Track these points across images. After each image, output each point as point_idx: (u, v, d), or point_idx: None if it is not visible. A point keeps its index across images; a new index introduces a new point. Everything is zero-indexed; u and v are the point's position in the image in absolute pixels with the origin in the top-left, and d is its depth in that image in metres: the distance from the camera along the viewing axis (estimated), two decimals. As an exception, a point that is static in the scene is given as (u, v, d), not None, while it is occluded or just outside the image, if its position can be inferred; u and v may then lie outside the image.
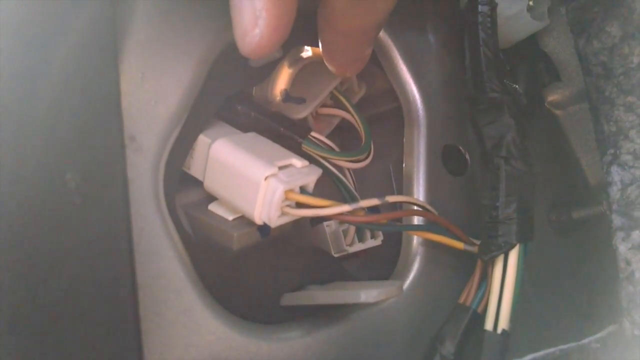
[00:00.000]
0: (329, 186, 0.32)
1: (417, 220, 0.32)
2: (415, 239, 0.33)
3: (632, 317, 0.31)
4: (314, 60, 0.32)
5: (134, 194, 0.25)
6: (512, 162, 0.30)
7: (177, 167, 0.28)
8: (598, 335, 0.34)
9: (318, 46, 0.31)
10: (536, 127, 0.36)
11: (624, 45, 0.32)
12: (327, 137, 0.32)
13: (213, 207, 0.30)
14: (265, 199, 0.27)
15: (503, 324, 0.29)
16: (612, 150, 0.32)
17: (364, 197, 0.29)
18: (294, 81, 0.32)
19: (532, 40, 0.36)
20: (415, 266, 0.32)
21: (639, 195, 0.31)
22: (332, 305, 0.29)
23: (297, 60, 0.31)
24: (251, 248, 0.30)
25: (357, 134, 0.33)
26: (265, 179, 0.27)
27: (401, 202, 0.32)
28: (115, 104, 0.24)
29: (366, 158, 0.32)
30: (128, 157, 0.25)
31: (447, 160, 0.34)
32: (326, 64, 0.27)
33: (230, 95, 0.31)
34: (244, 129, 0.31)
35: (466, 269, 0.32)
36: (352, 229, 0.33)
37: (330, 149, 0.31)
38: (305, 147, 0.31)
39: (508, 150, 0.30)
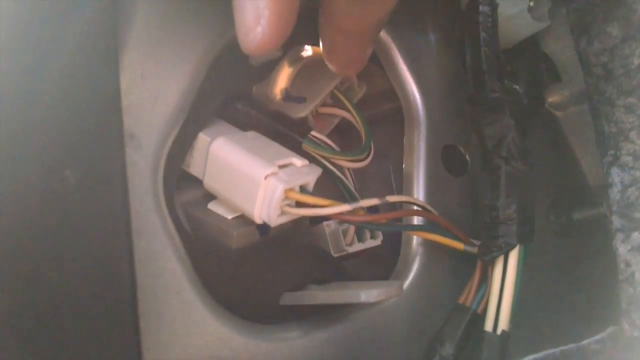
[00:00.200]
0: (329, 186, 0.32)
1: (417, 220, 0.32)
2: (415, 239, 0.32)
3: (632, 318, 0.31)
4: (314, 59, 0.32)
5: (133, 192, 0.25)
6: (512, 162, 0.30)
7: (176, 165, 0.28)
8: (598, 336, 0.34)
9: (318, 45, 0.31)
10: (536, 128, 0.36)
11: (624, 46, 0.32)
12: (327, 136, 0.32)
13: (212, 205, 0.30)
14: (265, 198, 0.27)
15: (503, 324, 0.29)
16: (612, 152, 0.32)
17: (363, 196, 0.29)
18: (294, 80, 0.32)
19: (533, 41, 0.36)
20: (415, 266, 0.32)
21: (639, 196, 0.31)
22: (331, 305, 0.29)
23: (297, 59, 0.31)
24: (250, 247, 0.30)
25: (357, 133, 0.33)
26: (265, 177, 0.27)
27: (401, 202, 0.32)
28: (115, 101, 0.24)
29: (366, 158, 0.32)
30: (127, 155, 0.25)
31: (447, 160, 0.34)
32: (327, 63, 0.27)
33: (231, 94, 0.31)
34: (244, 127, 0.31)
35: (466, 269, 0.31)
36: (352, 228, 0.33)
37: (331, 149, 0.31)
38: (306, 147, 0.30)
39: (508, 151, 0.30)
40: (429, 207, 0.31)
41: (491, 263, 0.30)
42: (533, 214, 0.30)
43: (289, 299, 0.29)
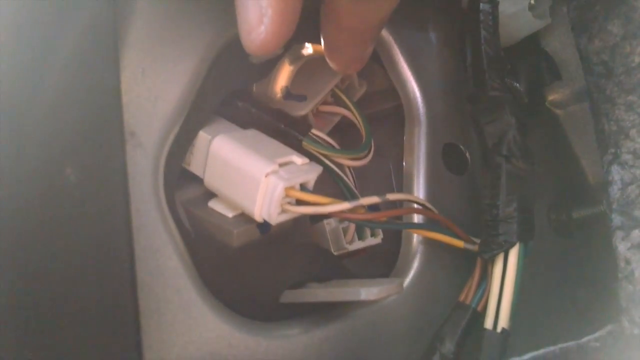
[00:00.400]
0: (329, 184, 0.32)
1: (417, 218, 0.32)
2: (415, 237, 0.32)
3: (632, 316, 0.31)
4: (315, 58, 0.32)
5: (133, 190, 0.25)
6: (513, 160, 0.30)
7: (177, 163, 0.28)
8: (597, 334, 0.34)
9: (319, 43, 0.31)
10: (537, 126, 0.36)
11: (625, 44, 0.32)
12: (328, 134, 0.32)
13: (213, 203, 0.30)
14: (266, 196, 0.27)
15: (503, 322, 0.29)
16: (612, 150, 0.32)
17: (364, 195, 0.29)
18: (295, 78, 0.32)
19: (534, 39, 0.36)
20: (415, 264, 0.32)
21: (639, 194, 0.31)
22: (332, 302, 0.29)
23: (298, 57, 0.31)
24: (251, 245, 0.30)
25: (357, 131, 0.33)
26: (266, 175, 0.27)
27: (401, 200, 0.32)
28: (116, 99, 0.24)
29: (366, 156, 0.32)
30: (128, 153, 0.25)
31: (447, 158, 0.34)
32: (327, 61, 0.27)
33: (231, 92, 0.31)
34: (245, 125, 0.31)
35: (466, 267, 0.32)
36: (352, 226, 0.33)
37: (331, 147, 0.31)
38: (306, 145, 0.30)
39: (509, 149, 0.30)
40: (429, 205, 0.31)
41: (491, 261, 0.30)
42: (533, 212, 0.30)
43: (290, 296, 0.29)
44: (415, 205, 0.31)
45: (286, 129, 0.31)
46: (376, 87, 0.36)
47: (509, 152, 0.30)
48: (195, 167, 0.30)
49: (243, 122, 0.31)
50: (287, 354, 0.28)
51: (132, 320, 0.24)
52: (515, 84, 0.33)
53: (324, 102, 0.34)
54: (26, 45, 0.22)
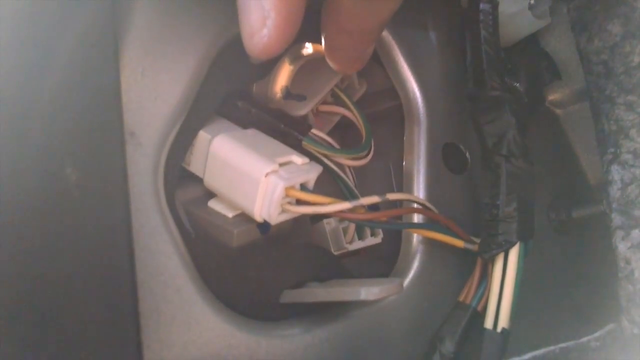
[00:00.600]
0: (329, 183, 0.32)
1: (417, 218, 0.32)
2: (415, 237, 0.32)
3: (631, 315, 0.31)
4: (315, 57, 0.32)
5: (133, 189, 0.25)
6: (512, 160, 0.30)
7: (177, 163, 0.28)
8: (597, 334, 0.34)
9: (319, 43, 0.31)
10: (536, 126, 0.36)
11: (625, 44, 0.32)
12: (328, 134, 0.32)
13: (213, 203, 0.30)
14: (266, 196, 0.27)
15: (503, 322, 0.29)
16: (612, 149, 0.32)
17: (364, 194, 0.29)
18: (295, 78, 0.32)
19: (533, 39, 0.36)
20: (415, 264, 0.32)
21: (639, 194, 0.31)
22: (332, 302, 0.29)
23: (297, 57, 0.31)
24: (251, 245, 0.30)
25: (357, 131, 0.33)
26: (266, 175, 0.27)
27: (401, 200, 0.32)
28: (116, 99, 0.24)
29: (366, 155, 0.32)
30: (128, 152, 0.25)
31: (447, 158, 0.34)
32: (328, 61, 0.27)
33: (231, 92, 0.31)
34: (244, 125, 0.31)
35: (466, 267, 0.32)
36: (352, 226, 0.33)
37: (331, 146, 0.31)
38: (306, 144, 0.30)
39: (509, 149, 0.30)
40: (429, 205, 0.31)
41: (491, 261, 0.30)
42: (533, 211, 0.30)
43: (290, 296, 0.29)
44: (415, 205, 0.31)
45: (286, 129, 0.30)
46: (376, 87, 0.36)
47: (508, 152, 0.30)
48: (195, 167, 0.30)
49: (243, 121, 0.31)
50: (287, 354, 0.28)
51: (132, 320, 0.24)
52: (515, 83, 0.33)
53: (324, 102, 0.34)
54: (26, 45, 0.22)
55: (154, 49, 0.26)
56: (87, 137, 0.23)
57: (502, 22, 0.32)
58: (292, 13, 0.21)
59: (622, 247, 0.31)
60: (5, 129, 0.21)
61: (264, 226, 0.30)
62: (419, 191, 0.33)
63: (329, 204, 0.27)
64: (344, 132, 0.35)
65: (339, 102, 0.34)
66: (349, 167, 0.33)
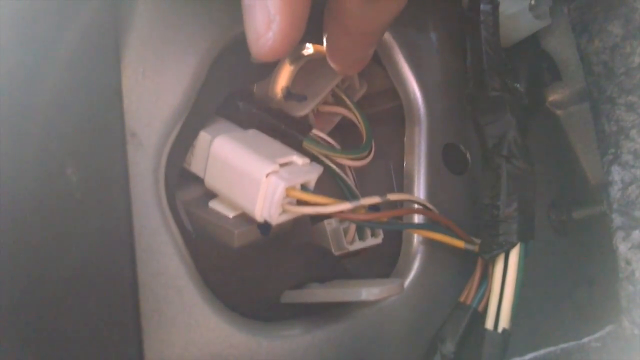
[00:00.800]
0: (330, 184, 0.32)
1: (417, 218, 0.32)
2: (416, 238, 0.32)
3: (632, 316, 0.31)
4: (316, 58, 0.32)
5: (135, 190, 0.25)
6: (513, 161, 0.30)
7: (178, 163, 0.28)
8: (598, 334, 0.34)
9: (319, 43, 0.31)
10: (537, 127, 0.36)
11: (625, 44, 0.32)
12: (328, 134, 0.32)
13: (214, 204, 0.30)
14: (267, 196, 0.27)
15: (504, 323, 0.29)
16: (612, 150, 0.33)
17: (364, 195, 0.29)
18: (295, 78, 0.32)
19: (534, 40, 0.36)
20: (416, 265, 0.32)
21: (639, 194, 0.31)
22: (332, 303, 0.29)
23: (298, 57, 0.31)
24: (252, 245, 0.30)
25: (358, 131, 0.33)
26: (267, 176, 0.27)
27: (402, 200, 0.32)
28: (117, 99, 0.24)
29: (367, 156, 0.32)
30: (129, 153, 0.25)
31: (447, 158, 0.34)
32: (329, 62, 0.27)
33: (232, 92, 0.31)
34: (245, 126, 0.31)
35: (467, 267, 0.32)
36: (353, 227, 0.33)
37: (332, 147, 0.31)
38: (307, 145, 0.30)
39: (509, 149, 0.30)
40: (429, 206, 0.31)
41: (492, 261, 0.30)
42: (534, 212, 0.30)
43: (290, 296, 0.29)
44: (416, 206, 0.31)
45: (287, 129, 0.31)
46: (376, 87, 0.36)
47: (509, 153, 0.30)
48: (196, 168, 0.30)
49: (244, 122, 0.31)
50: (288, 354, 0.28)
51: (133, 320, 0.24)
52: (515, 84, 0.33)
53: (325, 102, 0.34)
54: (27, 46, 0.22)
55: (155, 49, 0.26)
56: (88, 138, 0.23)
57: (503, 22, 0.32)
58: (297, 16, 0.21)
59: (622, 248, 0.32)
60: (6, 130, 0.21)
61: (265, 226, 0.30)
62: (420, 192, 0.33)
63: (329, 204, 0.27)
64: (344, 133, 0.35)
65: (339, 102, 0.34)
66: (349, 167, 0.33)
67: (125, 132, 0.25)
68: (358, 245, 0.33)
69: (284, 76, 0.31)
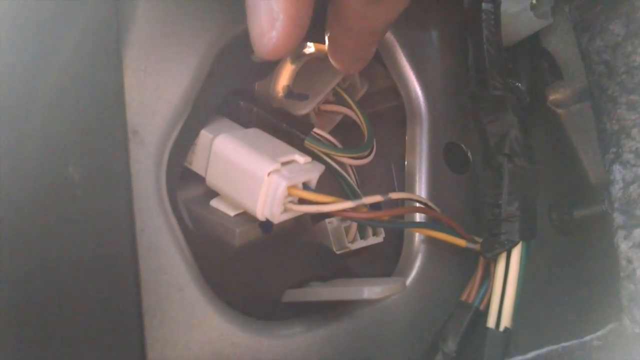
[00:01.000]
0: (331, 183, 0.32)
1: (419, 217, 0.32)
2: (417, 236, 0.32)
3: (633, 315, 0.31)
4: (317, 57, 0.32)
5: (136, 188, 0.25)
6: (515, 159, 0.30)
7: (179, 162, 0.28)
8: (599, 332, 0.34)
9: (320, 42, 0.31)
10: (538, 126, 0.36)
11: (627, 43, 0.32)
12: (330, 133, 0.32)
13: (215, 202, 0.30)
14: (268, 195, 0.27)
15: (505, 321, 0.29)
16: (614, 149, 0.33)
17: (366, 194, 0.29)
18: (297, 77, 0.32)
19: (535, 39, 0.36)
20: (417, 263, 0.32)
21: (640, 193, 0.31)
22: (334, 301, 0.29)
23: (300, 56, 0.31)
24: (253, 244, 0.30)
25: (359, 130, 0.33)
26: (268, 174, 0.27)
27: (403, 199, 0.32)
28: (118, 98, 0.24)
29: (368, 155, 0.32)
30: (131, 151, 0.25)
31: (449, 157, 0.34)
32: (331, 60, 0.27)
33: (233, 91, 0.31)
34: (246, 124, 0.31)
35: (468, 266, 0.32)
36: (354, 225, 0.33)
37: (333, 146, 0.31)
38: (308, 144, 0.30)
39: (511, 148, 0.30)
40: (431, 204, 0.31)
41: (493, 260, 0.30)
42: (535, 211, 0.30)
43: (292, 295, 0.29)
44: (417, 204, 0.31)
45: (288, 128, 0.30)
46: (378, 86, 0.36)
47: (510, 151, 0.30)
48: (197, 166, 0.30)
49: (245, 121, 0.31)
50: (290, 353, 0.28)
51: (135, 318, 0.24)
52: (516, 83, 0.33)
53: (326, 101, 0.34)
54: (29, 44, 0.22)
55: (157, 48, 0.26)
56: (90, 136, 0.23)
57: (504, 21, 0.32)
58: (300, 15, 0.21)
59: (623, 247, 0.32)
60: (8, 128, 0.21)
61: (266, 225, 0.30)
62: (421, 190, 0.33)
63: (331, 203, 0.27)
64: (345, 132, 0.35)
65: (340, 101, 0.34)
66: (351, 166, 0.33)
67: (127, 130, 0.25)
68: (359, 244, 0.33)
69: (285, 75, 0.31)
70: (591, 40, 0.33)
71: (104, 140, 0.23)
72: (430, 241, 0.32)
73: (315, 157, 0.30)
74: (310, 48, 0.32)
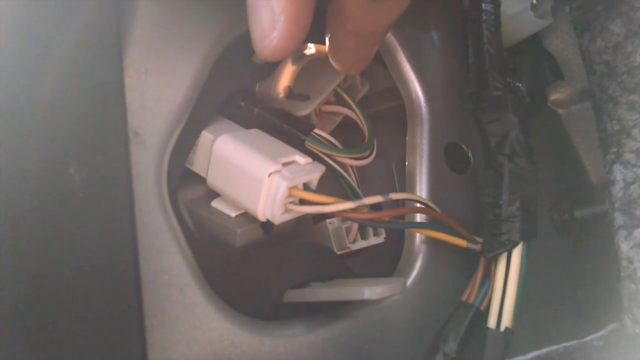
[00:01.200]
0: (332, 183, 0.32)
1: (419, 217, 0.32)
2: (418, 237, 0.33)
3: (634, 315, 0.31)
4: (317, 58, 0.32)
5: (137, 189, 0.25)
6: (515, 160, 0.30)
7: (180, 163, 0.28)
8: (600, 333, 0.34)
9: (321, 43, 0.31)
10: (539, 126, 0.36)
11: (627, 43, 0.32)
12: (330, 134, 0.32)
13: (216, 203, 0.30)
14: (269, 196, 0.27)
15: (506, 321, 0.29)
16: (614, 149, 0.32)
17: (366, 194, 0.29)
18: (298, 78, 0.32)
19: (536, 39, 0.36)
20: (418, 264, 0.32)
21: (641, 193, 0.31)
22: (335, 302, 0.29)
23: (300, 57, 0.31)
24: (254, 245, 0.30)
25: (360, 131, 0.33)
26: (269, 175, 0.27)
27: (404, 200, 0.32)
28: (119, 98, 0.24)
29: (369, 155, 0.32)
30: (132, 152, 0.25)
31: (450, 158, 0.34)
32: (331, 61, 0.27)
33: (234, 92, 0.31)
34: (247, 125, 0.31)
35: (469, 266, 0.32)
36: (355, 226, 0.33)
37: (334, 146, 0.31)
38: (309, 144, 0.30)
39: (512, 148, 0.30)
40: (431, 205, 0.31)
41: (494, 260, 0.30)
42: (536, 211, 0.30)
43: (293, 296, 0.29)
44: (418, 205, 0.31)
45: (289, 129, 0.31)
46: (378, 87, 0.36)
47: (511, 152, 0.30)
48: (198, 167, 0.30)
49: (246, 121, 0.31)
50: (291, 353, 0.28)
51: (136, 319, 0.24)
52: (517, 83, 0.33)
53: (327, 102, 0.34)
54: (29, 44, 0.22)
55: (158, 48, 0.26)
56: (90, 137, 0.23)
57: (504, 22, 0.32)
58: (301, 16, 0.21)
59: (624, 247, 0.32)
60: (9, 129, 0.21)
61: (267, 226, 0.30)
62: (422, 191, 0.33)
63: (332, 203, 0.27)
64: (346, 132, 0.35)
65: (341, 102, 0.34)
66: (351, 166, 0.33)
67: (127, 131, 0.25)
68: (360, 244, 0.33)
69: (286, 76, 0.32)
70: (592, 40, 0.33)
71: (104, 141, 0.24)
72: (430, 241, 0.32)
73: (315, 157, 0.30)
74: (311, 49, 0.32)
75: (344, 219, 0.32)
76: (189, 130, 0.28)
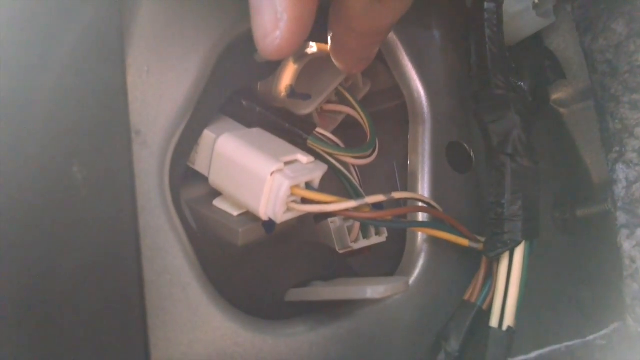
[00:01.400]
0: (334, 182, 0.32)
1: (421, 217, 0.32)
2: (420, 236, 0.32)
3: (637, 314, 0.31)
4: (319, 56, 0.32)
5: (139, 188, 0.25)
6: (517, 159, 0.30)
7: (182, 162, 0.28)
8: (603, 332, 0.34)
9: (323, 42, 0.31)
10: (541, 125, 0.36)
11: (629, 43, 0.32)
12: (332, 133, 0.32)
13: (218, 202, 0.30)
14: (271, 195, 0.27)
15: (508, 320, 0.29)
16: (617, 148, 0.32)
17: (368, 193, 0.29)
18: (299, 77, 0.32)
19: (538, 38, 0.36)
20: (420, 263, 0.32)
21: (643, 193, 0.31)
22: (337, 301, 0.29)
23: (302, 56, 0.31)
24: (256, 244, 0.30)
25: (362, 130, 0.33)
26: (271, 174, 0.27)
27: (406, 199, 0.32)
28: (121, 97, 0.24)
29: (371, 154, 0.32)
30: (134, 151, 0.25)
31: (452, 157, 0.34)
32: (333, 60, 0.27)
33: (236, 91, 0.31)
34: (249, 124, 0.31)
35: (471, 266, 0.32)
36: (357, 225, 0.33)
37: (336, 145, 0.31)
38: (311, 143, 0.30)
39: (514, 147, 0.30)
40: (434, 204, 0.31)
41: (496, 259, 0.30)
42: (538, 210, 0.30)
43: (295, 295, 0.29)
44: (420, 204, 0.31)
45: (291, 128, 0.31)
46: (380, 86, 0.36)
47: (513, 151, 0.30)
48: (200, 166, 0.30)
49: (248, 120, 0.31)
50: (293, 352, 0.28)
51: (139, 318, 0.24)
52: (519, 82, 0.33)
53: (329, 101, 0.34)
54: (31, 44, 0.22)
55: (160, 47, 0.26)
56: (93, 136, 0.23)
57: (506, 21, 0.32)
58: (304, 15, 0.21)
59: (627, 246, 0.31)
60: (11, 128, 0.21)
61: (269, 225, 0.30)
62: (424, 190, 0.33)
63: (334, 202, 0.27)
64: (348, 131, 0.35)
65: (343, 101, 0.34)
66: (353, 166, 0.33)
67: (130, 130, 0.25)
68: (362, 243, 0.33)
69: (287, 75, 0.32)
70: (594, 40, 0.33)
71: (107, 140, 0.24)
72: (433, 241, 0.32)
73: (317, 156, 0.30)
74: (313, 48, 0.32)
75: (346, 218, 0.32)
76: (191, 129, 0.28)
